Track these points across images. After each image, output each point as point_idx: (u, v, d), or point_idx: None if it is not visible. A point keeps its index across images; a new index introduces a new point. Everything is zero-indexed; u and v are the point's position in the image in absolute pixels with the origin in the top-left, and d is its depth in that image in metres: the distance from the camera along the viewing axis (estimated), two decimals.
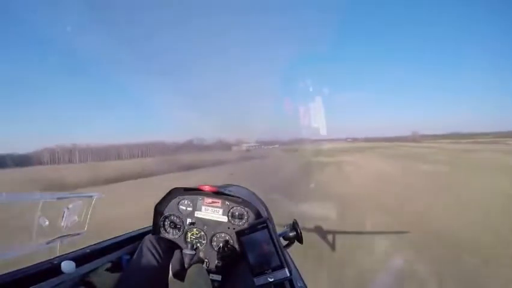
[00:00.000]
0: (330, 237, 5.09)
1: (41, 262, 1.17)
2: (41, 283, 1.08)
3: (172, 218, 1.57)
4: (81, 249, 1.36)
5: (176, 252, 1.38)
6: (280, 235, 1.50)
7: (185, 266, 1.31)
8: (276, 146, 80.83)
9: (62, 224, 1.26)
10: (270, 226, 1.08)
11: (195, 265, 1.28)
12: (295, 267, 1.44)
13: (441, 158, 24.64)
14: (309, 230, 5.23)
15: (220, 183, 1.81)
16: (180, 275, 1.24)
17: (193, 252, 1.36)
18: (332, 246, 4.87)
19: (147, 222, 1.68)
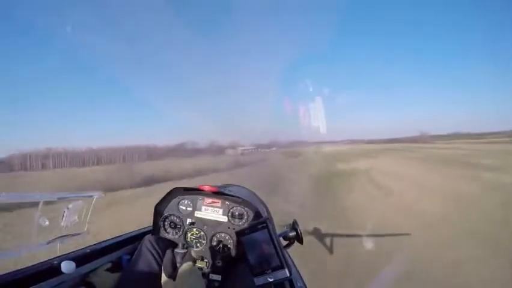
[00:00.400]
0: None
1: (41, 262, 1.17)
2: (41, 283, 1.08)
3: (172, 218, 1.57)
4: (81, 249, 1.36)
5: (168, 252, 1.37)
6: (280, 235, 1.50)
7: (177, 265, 1.31)
8: (274, 149, 72.51)
9: (62, 224, 1.26)
10: (270, 226, 1.09)
11: (186, 263, 1.28)
12: (295, 267, 1.44)
13: (500, 163, 16.30)
14: None
15: None
16: (172, 274, 1.24)
17: (185, 250, 1.36)
18: None
19: None
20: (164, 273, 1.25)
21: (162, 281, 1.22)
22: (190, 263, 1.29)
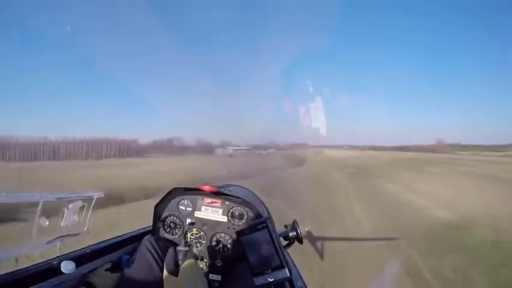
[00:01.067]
0: None
1: (41, 262, 1.17)
2: (41, 283, 1.08)
3: (172, 218, 1.57)
4: (81, 249, 1.36)
5: (170, 249, 1.38)
6: (280, 235, 1.50)
7: (179, 262, 1.31)
8: (272, 150, 62.35)
9: (62, 224, 1.26)
10: (270, 226, 1.09)
11: (188, 261, 1.28)
12: (295, 267, 1.44)
13: None
14: None
15: None
16: (174, 271, 1.24)
17: (187, 248, 1.36)
18: None
19: None
20: (166, 270, 1.25)
21: (164, 278, 1.22)
22: (192, 261, 1.29)
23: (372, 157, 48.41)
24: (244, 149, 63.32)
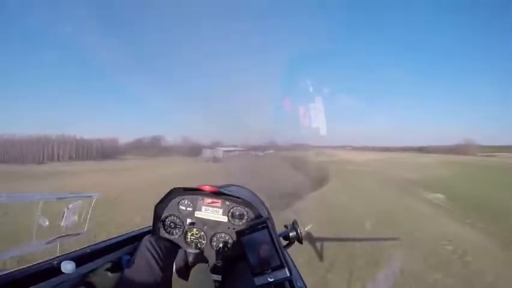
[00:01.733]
0: None
1: (41, 262, 1.17)
2: (41, 283, 1.08)
3: (172, 218, 1.57)
4: (81, 249, 1.36)
5: (180, 251, 1.38)
6: (280, 235, 1.50)
7: (189, 265, 1.31)
8: (271, 151, 53.14)
9: (62, 224, 1.26)
10: (270, 226, 1.09)
11: (199, 265, 1.28)
12: (295, 267, 1.44)
13: None
14: None
15: None
16: (184, 274, 1.24)
17: (197, 251, 1.36)
18: None
19: None
20: (175, 272, 1.25)
21: (173, 280, 1.23)
22: (203, 264, 1.29)
23: (408, 163, 35.46)
24: (239, 150, 53.82)
